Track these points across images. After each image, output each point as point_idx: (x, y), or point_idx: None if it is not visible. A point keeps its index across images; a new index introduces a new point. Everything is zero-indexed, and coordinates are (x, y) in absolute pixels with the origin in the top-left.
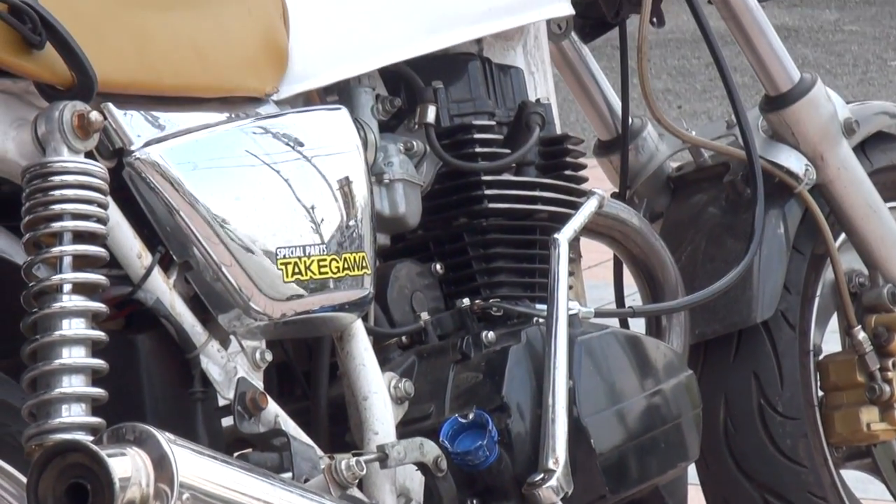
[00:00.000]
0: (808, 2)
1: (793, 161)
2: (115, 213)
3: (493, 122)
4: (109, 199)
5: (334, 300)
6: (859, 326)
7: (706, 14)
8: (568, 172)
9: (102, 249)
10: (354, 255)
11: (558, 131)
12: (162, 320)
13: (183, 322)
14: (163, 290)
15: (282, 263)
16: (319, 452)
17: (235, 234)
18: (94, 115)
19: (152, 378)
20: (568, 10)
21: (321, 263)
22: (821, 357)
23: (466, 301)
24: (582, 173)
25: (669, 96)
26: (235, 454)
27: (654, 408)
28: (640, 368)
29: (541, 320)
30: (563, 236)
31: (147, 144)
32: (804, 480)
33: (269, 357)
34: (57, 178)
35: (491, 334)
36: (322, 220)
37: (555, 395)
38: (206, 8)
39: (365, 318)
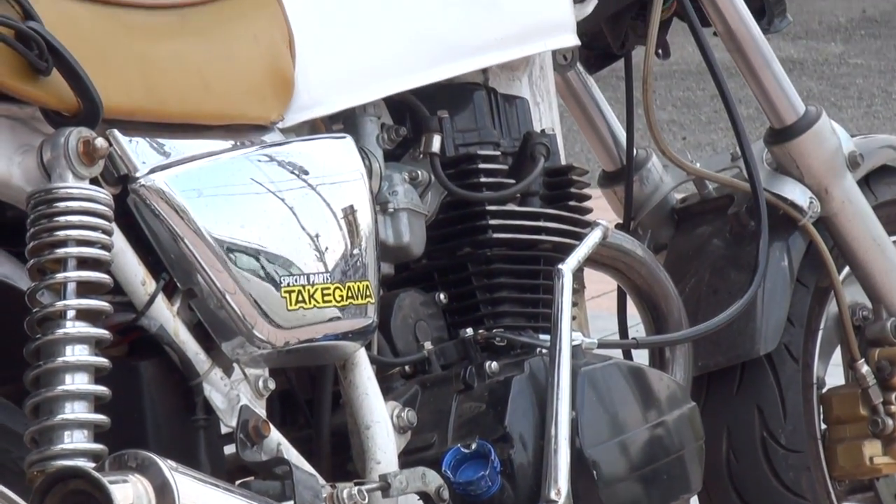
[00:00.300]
0: (814, 34)
1: (797, 194)
2: (119, 240)
3: (497, 153)
4: (114, 225)
5: (338, 329)
6: (862, 360)
7: (711, 46)
8: (572, 203)
9: (106, 276)
10: (358, 283)
11: (563, 162)
12: (165, 347)
13: (186, 349)
14: (166, 317)
15: (286, 291)
16: (321, 481)
17: (239, 261)
18: (100, 142)
19: (155, 405)
20: (573, 40)
21: (325, 292)
22: (824, 390)
23: (470, 331)
24: (586, 204)
25: (674, 128)
26: (237, 482)
27: (656, 439)
28: (643, 400)
29: (544, 351)
30: (567, 267)
31: (152, 171)
32: None
33: (271, 385)
34: (62, 205)
35: (494, 364)
36: (326, 248)
37: (557, 426)
38: (213, 36)
39: (368, 347)
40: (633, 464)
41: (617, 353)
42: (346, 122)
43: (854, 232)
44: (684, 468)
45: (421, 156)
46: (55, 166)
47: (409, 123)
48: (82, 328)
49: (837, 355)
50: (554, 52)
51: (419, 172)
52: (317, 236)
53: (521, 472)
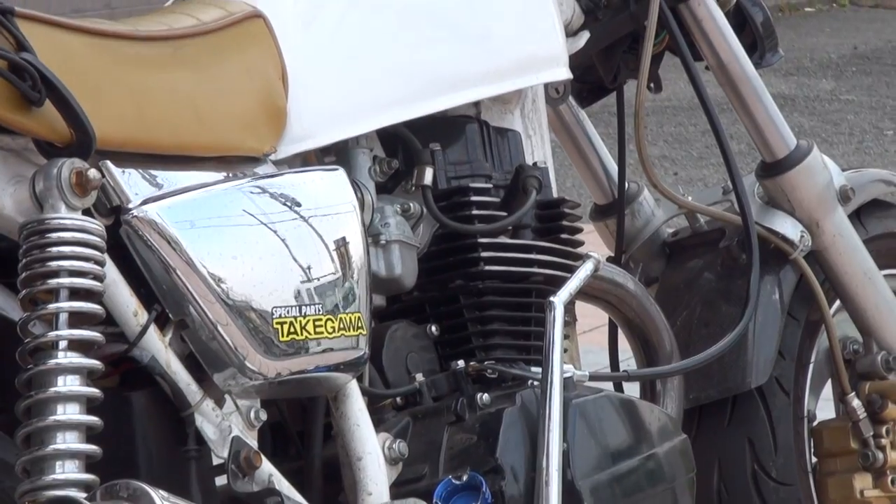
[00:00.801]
0: (805, 71)
1: (788, 227)
2: (111, 271)
3: (489, 185)
4: (106, 256)
5: (329, 360)
6: (853, 393)
7: (703, 81)
8: (564, 236)
9: (98, 307)
10: (350, 315)
11: (555, 195)
12: (157, 378)
13: (178, 380)
14: (158, 348)
15: (277, 323)
16: None
17: (231, 293)
18: (92, 173)
19: (147, 436)
20: (566, 74)
21: (317, 323)
22: (815, 423)
23: (461, 363)
24: (578, 237)
25: (666, 163)
26: None
27: (647, 471)
28: (635, 432)
29: (535, 383)
30: (559, 299)
31: (144, 202)
32: None
33: (263, 416)
34: (54, 235)
35: (485, 396)
36: (318, 280)
37: (549, 458)
38: (206, 68)
39: (360, 379)
40: (624, 496)
41: (608, 386)
42: (338, 154)
43: (845, 266)
44: (675, 500)
45: (413, 188)
46: (47, 197)
47: (401, 156)
48: (74, 359)
49: (828, 389)
50: (546, 86)
51: (411, 205)
52: (309, 268)
53: (512, 503)
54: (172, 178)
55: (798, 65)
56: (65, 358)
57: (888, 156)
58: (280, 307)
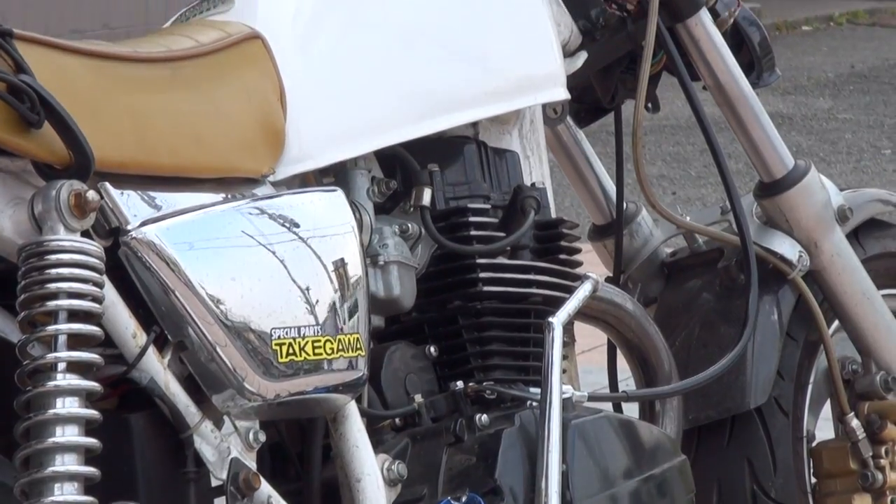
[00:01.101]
0: (803, 90)
1: (787, 247)
2: (110, 293)
3: (488, 206)
4: (105, 278)
5: (328, 381)
6: (852, 413)
7: (701, 100)
8: (562, 256)
9: (97, 328)
10: (349, 336)
11: (553, 215)
12: (156, 400)
13: (177, 402)
14: (157, 369)
15: (276, 344)
16: None
17: (230, 314)
18: (91, 195)
19: (145, 458)
20: (563, 94)
21: (315, 344)
22: (814, 444)
23: (460, 384)
24: (576, 257)
25: (664, 182)
26: None
27: (647, 492)
28: (634, 453)
29: (534, 404)
30: (558, 320)
31: (143, 224)
32: None
33: (262, 438)
34: (53, 257)
35: (484, 417)
36: (317, 301)
37: (548, 479)
38: (204, 89)
39: (359, 400)
40: None
41: (607, 406)
42: (336, 175)
43: (843, 286)
44: None
45: (411, 209)
46: (46, 219)
47: (399, 177)
48: (73, 381)
49: (827, 409)
50: (544, 106)
51: (409, 225)
52: (307, 289)
53: None
54: (171, 200)
55: (795, 84)
56: (63, 380)
57: (886, 175)
58: (279, 328)
